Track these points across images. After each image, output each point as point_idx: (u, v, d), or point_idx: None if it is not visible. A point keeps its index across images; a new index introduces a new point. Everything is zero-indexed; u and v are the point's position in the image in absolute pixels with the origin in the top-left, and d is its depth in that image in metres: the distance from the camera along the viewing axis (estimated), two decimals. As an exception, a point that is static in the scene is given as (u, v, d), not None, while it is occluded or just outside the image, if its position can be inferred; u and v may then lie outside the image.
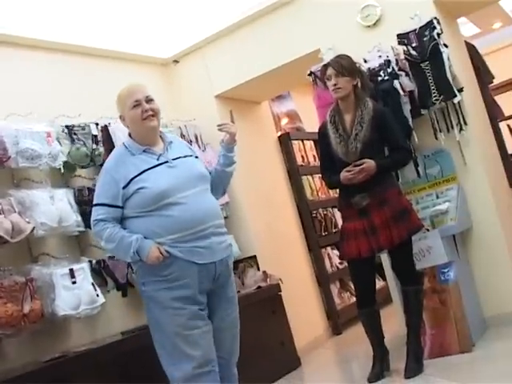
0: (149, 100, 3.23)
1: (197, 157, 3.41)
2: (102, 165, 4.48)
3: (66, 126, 4.38)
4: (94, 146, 4.48)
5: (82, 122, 4.49)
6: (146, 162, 3.17)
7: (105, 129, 4.66)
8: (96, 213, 3.18)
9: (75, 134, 4.40)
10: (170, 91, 5.90)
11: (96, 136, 4.53)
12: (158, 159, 3.20)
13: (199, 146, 5.51)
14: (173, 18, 5.28)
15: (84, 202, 4.33)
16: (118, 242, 3.11)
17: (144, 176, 3.12)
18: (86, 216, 4.23)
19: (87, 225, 4.25)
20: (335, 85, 3.97)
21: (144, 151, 3.22)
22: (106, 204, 3.16)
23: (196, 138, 5.57)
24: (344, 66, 3.99)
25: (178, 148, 3.33)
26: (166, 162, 3.20)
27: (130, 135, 3.30)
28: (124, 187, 3.12)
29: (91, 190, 4.34)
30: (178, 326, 3.08)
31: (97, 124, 4.60)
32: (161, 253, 3.04)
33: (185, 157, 3.29)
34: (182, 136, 5.33)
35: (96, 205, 3.20)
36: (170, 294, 3.09)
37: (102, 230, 3.14)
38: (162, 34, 5.47)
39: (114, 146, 4.47)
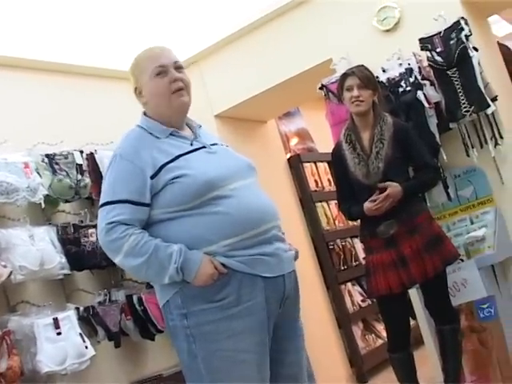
0: (178, 67, 2.69)
1: None
2: (88, 198, 4.53)
3: (46, 155, 4.36)
4: (79, 177, 4.45)
5: (65, 150, 4.46)
6: (178, 147, 2.59)
7: (91, 157, 4.62)
8: (110, 214, 2.49)
9: (57, 163, 4.37)
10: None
11: (81, 165, 4.50)
12: (191, 144, 2.64)
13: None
14: (164, 28, 5.26)
15: (69, 241, 4.32)
16: (150, 254, 2.44)
17: (180, 162, 2.53)
18: (70, 257, 4.25)
19: (73, 267, 4.27)
20: (358, 97, 3.93)
21: (171, 134, 2.65)
22: (128, 201, 2.50)
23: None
24: (369, 77, 4.00)
25: (209, 135, 2.82)
26: (204, 147, 2.64)
27: (145, 114, 2.74)
28: (153, 177, 2.50)
29: (77, 227, 4.39)
30: (242, 378, 2.44)
31: (81, 152, 4.57)
32: (215, 268, 2.43)
33: (221, 144, 2.78)
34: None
35: (108, 203, 2.52)
36: (225, 328, 2.44)
37: (123, 238, 2.46)
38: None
39: (101, 176, 4.43)
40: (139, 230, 2.49)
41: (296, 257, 2.75)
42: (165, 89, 2.63)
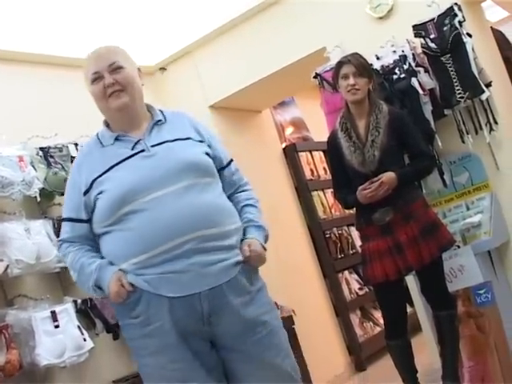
0: (114, 69, 2.62)
1: (202, 141, 2.70)
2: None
3: (41, 149, 4.34)
4: (74, 170, 4.39)
5: (59, 143, 4.44)
6: (117, 155, 2.57)
7: (85, 149, 4.55)
8: (61, 232, 2.71)
9: (52, 156, 4.36)
10: (156, 103, 5.82)
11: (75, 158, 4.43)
12: (132, 148, 2.58)
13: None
14: (157, 20, 5.24)
15: (65, 234, 4.25)
16: (78, 272, 2.57)
17: (107, 175, 2.54)
18: (67, 249, 4.17)
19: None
20: (353, 85, 3.91)
21: (117, 139, 2.63)
22: (69, 218, 2.64)
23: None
24: (365, 65, 3.98)
25: (171, 129, 2.69)
26: (143, 150, 2.57)
27: (105, 121, 2.75)
28: (85, 193, 2.56)
29: (72, 220, 4.30)
30: None
31: (76, 144, 4.53)
32: (123, 285, 2.45)
33: (174, 140, 2.63)
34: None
35: (62, 220, 2.71)
36: (144, 345, 2.50)
37: (65, 256, 2.65)
38: (145, 38, 5.40)
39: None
40: (77, 246, 2.61)
41: (249, 261, 2.64)
42: (101, 93, 2.62)
